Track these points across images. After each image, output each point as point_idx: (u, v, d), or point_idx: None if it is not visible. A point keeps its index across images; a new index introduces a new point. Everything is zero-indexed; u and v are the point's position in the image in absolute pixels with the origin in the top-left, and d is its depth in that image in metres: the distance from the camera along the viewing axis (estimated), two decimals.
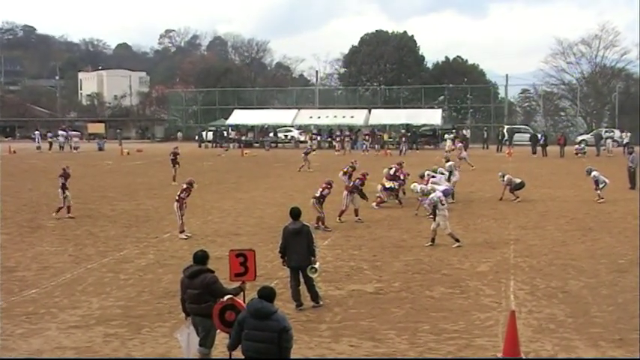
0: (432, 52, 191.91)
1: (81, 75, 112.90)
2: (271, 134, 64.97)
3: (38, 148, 57.90)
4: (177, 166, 32.57)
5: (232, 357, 8.36)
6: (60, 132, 62.81)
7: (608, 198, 24.72)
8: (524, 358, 9.57)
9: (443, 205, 17.44)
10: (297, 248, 12.14)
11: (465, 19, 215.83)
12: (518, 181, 25.63)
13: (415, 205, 22.43)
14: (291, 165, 39.28)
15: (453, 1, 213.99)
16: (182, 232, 18.87)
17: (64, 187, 22.41)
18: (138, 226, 20.86)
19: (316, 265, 12.27)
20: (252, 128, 66.08)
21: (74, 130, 68.26)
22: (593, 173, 25.19)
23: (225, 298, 8.94)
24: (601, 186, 24.84)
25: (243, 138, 63.06)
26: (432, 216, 18.49)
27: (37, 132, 62.41)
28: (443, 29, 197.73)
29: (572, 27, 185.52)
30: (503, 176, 25.52)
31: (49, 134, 61.32)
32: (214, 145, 63.34)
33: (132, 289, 13.73)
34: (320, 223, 19.58)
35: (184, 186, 19.50)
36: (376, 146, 56.45)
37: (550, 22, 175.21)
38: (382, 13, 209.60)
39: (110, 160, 46.46)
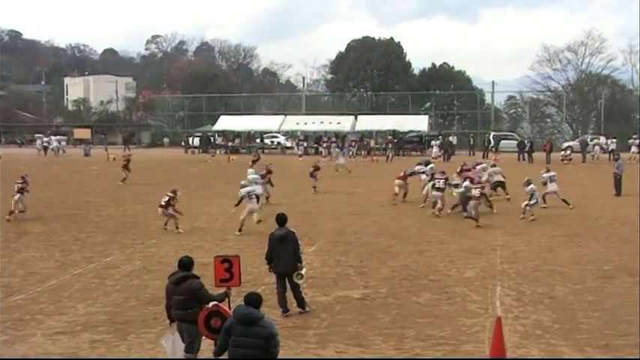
0: (422, 58, 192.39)
1: (67, 80, 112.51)
2: (258, 140, 64.89)
3: (44, 150, 58.49)
4: (127, 171, 34.20)
5: None
6: (51, 137, 62.91)
7: (594, 204, 24.84)
8: None
9: (251, 198, 20.20)
10: (284, 254, 12.14)
11: (456, 24, 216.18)
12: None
13: (403, 210, 22.48)
14: (278, 171, 39.11)
15: (444, 7, 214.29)
16: (177, 227, 20.18)
17: (21, 192, 23.13)
18: (124, 232, 20.78)
19: (302, 271, 12.27)
20: (238, 134, 66.00)
21: (60, 135, 68.09)
22: (531, 186, 22.76)
23: (210, 304, 8.93)
24: (532, 202, 22.45)
25: (230, 144, 62.98)
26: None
27: (38, 135, 62.81)
28: (433, 35, 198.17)
29: (563, 33, 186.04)
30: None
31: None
32: (200, 150, 63.24)
33: (118, 295, 13.67)
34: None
35: (169, 194, 20.44)
36: (363, 152, 56.70)
37: (541, 28, 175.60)
38: (373, 18, 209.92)
39: (96, 166, 46.26)
